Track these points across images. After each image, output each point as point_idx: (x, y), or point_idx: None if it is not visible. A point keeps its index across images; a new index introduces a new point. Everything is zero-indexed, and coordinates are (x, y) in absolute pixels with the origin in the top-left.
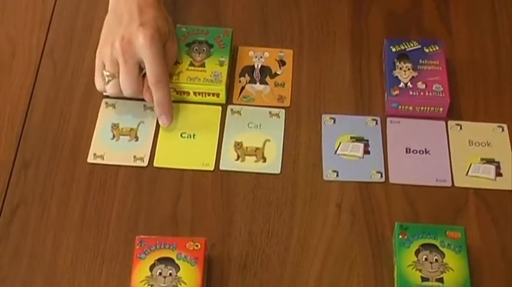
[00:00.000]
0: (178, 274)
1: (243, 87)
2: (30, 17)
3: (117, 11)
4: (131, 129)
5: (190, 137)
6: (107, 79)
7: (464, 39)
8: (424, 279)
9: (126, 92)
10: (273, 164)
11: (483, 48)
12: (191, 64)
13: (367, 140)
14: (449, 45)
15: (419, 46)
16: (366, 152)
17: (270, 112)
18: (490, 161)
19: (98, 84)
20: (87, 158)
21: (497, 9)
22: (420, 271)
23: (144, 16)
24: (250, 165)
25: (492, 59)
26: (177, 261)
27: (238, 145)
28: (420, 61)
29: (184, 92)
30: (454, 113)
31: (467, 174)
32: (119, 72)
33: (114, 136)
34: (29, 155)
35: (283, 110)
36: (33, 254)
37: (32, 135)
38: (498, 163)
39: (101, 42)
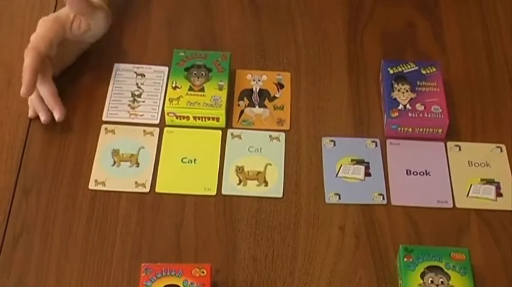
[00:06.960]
0: None
1: (242, 111)
2: (26, 42)
3: None
4: (132, 155)
5: (191, 162)
6: None
7: (459, 58)
8: None
9: None
10: (275, 188)
11: (478, 67)
12: (190, 89)
13: (368, 162)
14: (444, 65)
15: (417, 67)
16: (367, 174)
17: (270, 136)
18: (490, 182)
19: None
20: (88, 184)
21: (489, 27)
22: None
23: None
24: (252, 189)
25: (487, 78)
26: None
27: (239, 169)
28: (418, 83)
29: (184, 117)
30: (452, 133)
31: (468, 195)
32: None
33: (114, 162)
34: (30, 182)
35: (283, 134)
36: (37, 283)
37: (32, 163)
38: (498, 183)
39: None
